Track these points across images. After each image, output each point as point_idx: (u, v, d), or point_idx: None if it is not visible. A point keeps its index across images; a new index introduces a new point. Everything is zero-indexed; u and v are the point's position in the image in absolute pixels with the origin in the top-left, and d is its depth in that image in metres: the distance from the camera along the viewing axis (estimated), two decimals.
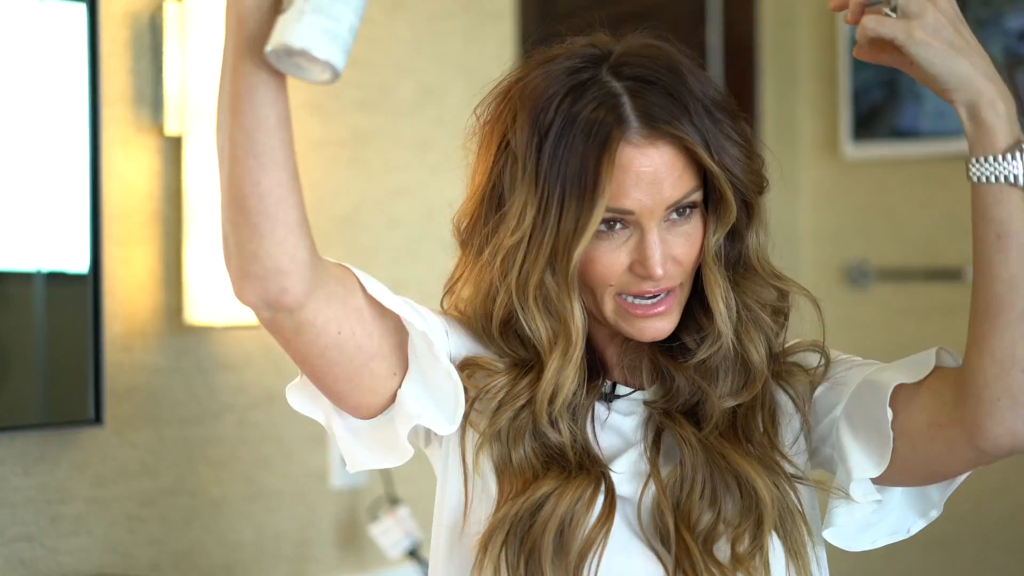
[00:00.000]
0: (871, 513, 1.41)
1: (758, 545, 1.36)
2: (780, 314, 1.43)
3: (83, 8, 1.94)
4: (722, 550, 1.37)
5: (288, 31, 1.13)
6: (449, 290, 1.51)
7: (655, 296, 1.37)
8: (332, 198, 2.35)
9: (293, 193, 1.25)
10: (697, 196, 1.37)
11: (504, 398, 1.42)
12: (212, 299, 2.06)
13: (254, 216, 1.22)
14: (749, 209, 1.40)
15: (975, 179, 1.24)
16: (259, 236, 1.23)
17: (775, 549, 1.38)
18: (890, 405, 1.33)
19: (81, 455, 1.99)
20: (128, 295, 2.04)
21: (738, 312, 1.40)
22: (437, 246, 2.52)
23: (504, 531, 1.37)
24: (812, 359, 1.44)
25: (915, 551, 3.14)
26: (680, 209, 1.36)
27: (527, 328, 1.38)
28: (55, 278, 1.96)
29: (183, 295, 2.09)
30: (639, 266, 1.36)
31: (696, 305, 1.42)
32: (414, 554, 2.32)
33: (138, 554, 2.06)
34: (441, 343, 1.39)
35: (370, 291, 1.34)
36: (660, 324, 1.38)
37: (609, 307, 1.39)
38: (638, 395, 1.45)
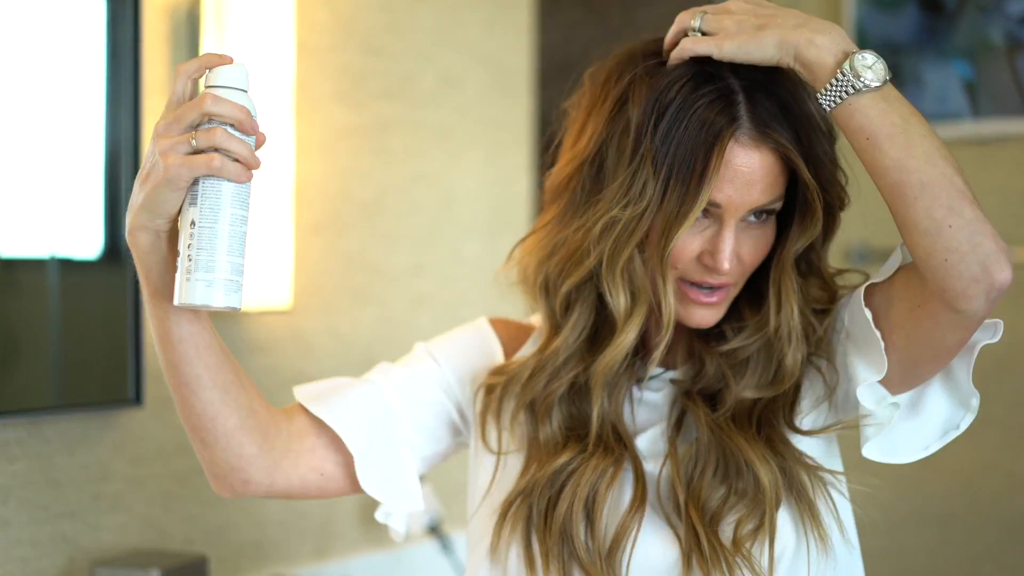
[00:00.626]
0: (909, 420, 1.47)
1: (761, 530, 1.42)
2: (826, 314, 1.50)
3: (123, 2, 2.00)
4: (726, 531, 1.43)
5: (186, 290, 1.26)
6: (523, 241, 1.59)
7: (712, 288, 1.45)
8: (357, 184, 2.41)
9: (227, 405, 1.41)
10: (779, 205, 1.43)
11: (538, 365, 1.52)
12: (245, 286, 2.13)
13: (198, 432, 1.43)
14: (830, 223, 1.47)
15: (827, 108, 1.34)
16: (206, 446, 1.44)
17: (783, 531, 1.44)
18: (869, 306, 1.41)
19: (121, 435, 2.06)
20: None
21: (795, 321, 1.47)
22: (456, 231, 2.60)
23: (525, 499, 1.46)
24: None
25: (909, 527, 3.24)
26: (759, 214, 1.43)
27: (607, 295, 1.46)
28: (96, 265, 2.02)
29: None
30: (709, 256, 1.43)
31: (743, 299, 1.49)
32: (435, 530, 2.40)
33: (173, 530, 2.13)
34: (421, 390, 1.56)
35: (321, 418, 1.52)
36: (709, 314, 1.47)
37: (669, 290, 1.45)
38: (668, 374, 1.52)
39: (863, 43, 3.30)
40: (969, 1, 3.20)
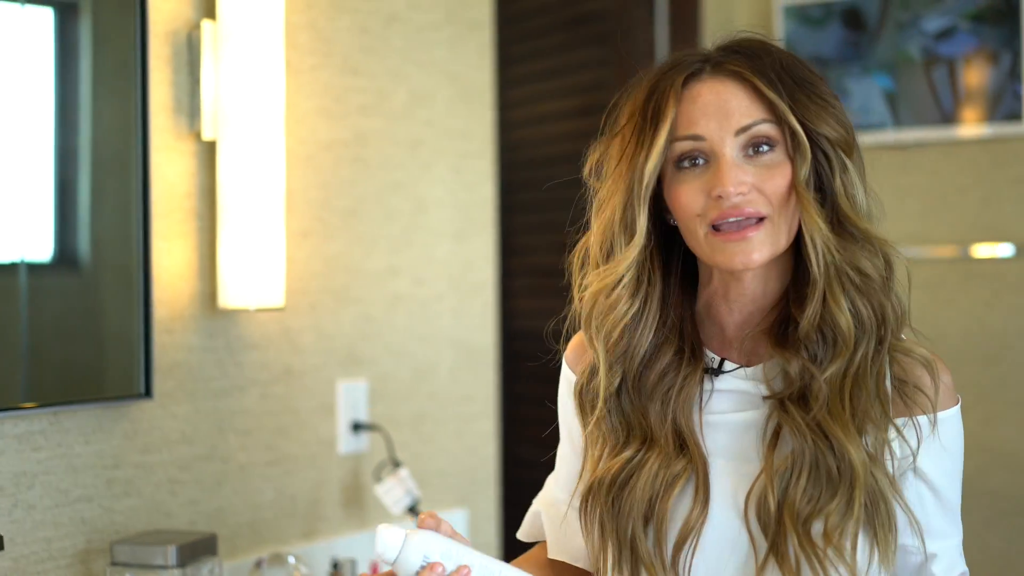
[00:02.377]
0: None
1: (849, 517, 1.47)
2: (868, 277, 1.51)
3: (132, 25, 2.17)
4: (817, 528, 1.47)
5: None
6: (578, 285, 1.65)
7: (740, 221, 1.49)
8: (338, 193, 2.60)
9: None
10: (771, 130, 1.50)
11: (588, 365, 1.63)
12: (243, 286, 2.31)
13: None
14: (830, 160, 1.51)
15: None
16: None
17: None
18: None
19: (131, 426, 2.23)
20: (170, 283, 2.28)
21: (829, 265, 1.50)
22: (428, 235, 2.79)
23: (594, 496, 1.57)
24: (923, 378, 1.54)
25: None
26: (757, 145, 1.51)
27: (619, 254, 1.55)
28: (111, 269, 2.19)
29: (217, 283, 2.33)
30: (715, 188, 1.49)
31: (800, 280, 1.55)
32: (414, 510, 2.59)
33: (178, 513, 2.31)
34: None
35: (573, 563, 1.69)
36: (747, 251, 1.49)
37: (704, 243, 1.52)
38: (741, 372, 1.58)
39: None
40: (889, 19, 3.43)
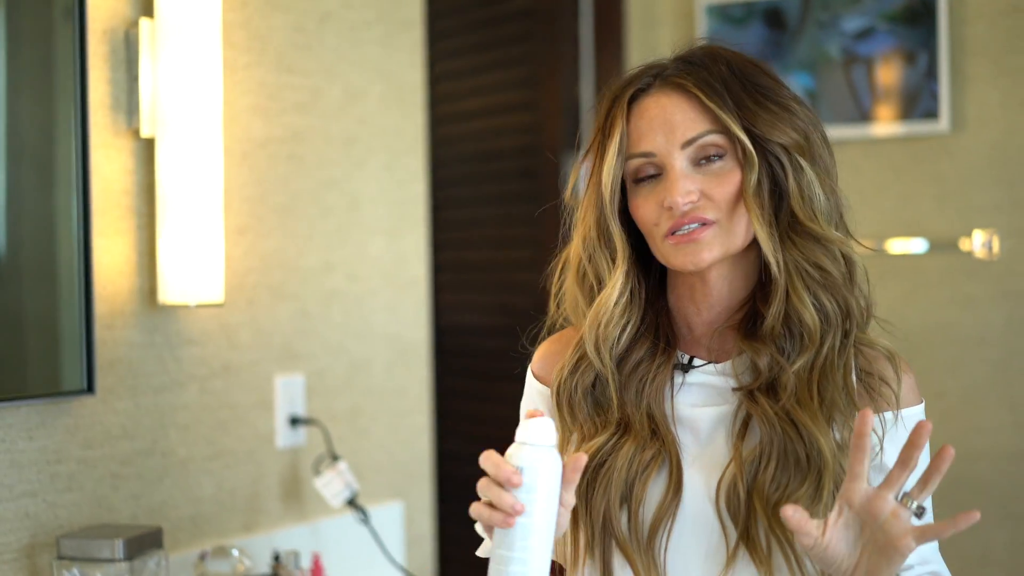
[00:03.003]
0: None
1: (818, 502, 1.52)
2: (828, 274, 1.59)
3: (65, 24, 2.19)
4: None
5: None
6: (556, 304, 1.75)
7: (689, 228, 1.57)
8: (273, 190, 2.62)
9: None
10: (718, 139, 1.58)
11: (563, 364, 1.69)
12: (182, 282, 2.33)
13: None
14: (783, 164, 1.58)
15: None
16: None
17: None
18: None
19: (74, 421, 2.24)
20: (110, 279, 2.30)
21: (787, 265, 1.58)
22: (362, 231, 2.82)
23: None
24: (886, 370, 1.61)
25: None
26: (708, 156, 1.59)
27: (596, 268, 1.65)
28: (53, 267, 2.20)
29: (156, 279, 2.35)
30: (665, 200, 1.58)
31: (766, 279, 1.63)
32: (353, 502, 2.62)
33: (120, 507, 2.32)
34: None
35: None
36: (695, 252, 1.58)
37: (661, 248, 1.60)
38: (710, 367, 1.65)
39: None
40: (809, 18, 3.51)
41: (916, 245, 3.34)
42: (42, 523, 2.18)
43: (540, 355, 1.77)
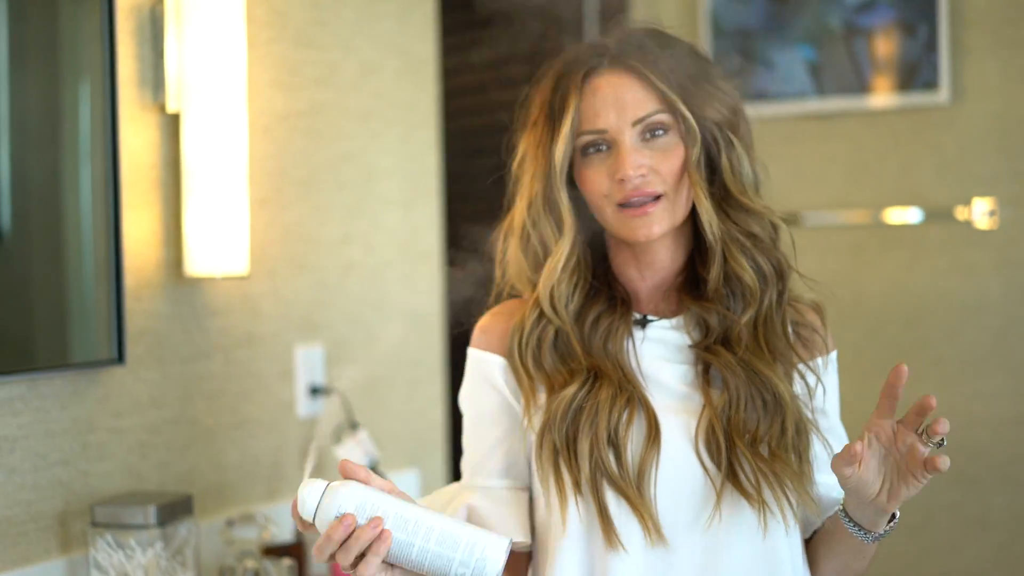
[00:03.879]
0: None
1: (785, 440, 1.68)
2: (759, 240, 1.73)
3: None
4: (764, 449, 1.68)
5: None
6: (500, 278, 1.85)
7: (643, 202, 1.69)
8: (293, 164, 2.66)
9: None
10: (665, 118, 1.70)
11: (520, 322, 1.78)
12: (207, 254, 2.37)
13: None
14: (717, 141, 1.71)
15: (851, 530, 1.66)
16: None
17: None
18: None
19: (104, 391, 2.29)
20: (138, 252, 2.34)
21: (723, 234, 1.71)
22: (378, 203, 2.87)
23: (548, 433, 1.70)
24: (816, 321, 1.79)
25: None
26: (653, 130, 1.70)
27: (541, 235, 1.75)
28: (82, 240, 2.24)
29: (183, 251, 2.39)
30: (617, 172, 1.69)
31: (702, 245, 1.76)
32: (374, 470, 2.67)
33: (149, 475, 2.37)
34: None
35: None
36: (645, 223, 1.69)
37: (611, 219, 1.71)
38: (665, 322, 1.77)
39: (718, 29, 3.64)
40: None
41: (914, 215, 3.40)
42: (75, 491, 2.23)
43: (481, 330, 1.83)
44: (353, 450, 2.65)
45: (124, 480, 2.32)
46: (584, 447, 1.68)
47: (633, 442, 1.69)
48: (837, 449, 1.76)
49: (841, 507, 1.67)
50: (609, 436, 1.68)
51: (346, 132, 2.78)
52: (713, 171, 1.73)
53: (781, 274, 1.75)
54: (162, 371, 2.39)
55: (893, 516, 1.65)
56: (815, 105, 3.55)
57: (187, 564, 2.19)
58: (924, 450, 1.54)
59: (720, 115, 1.72)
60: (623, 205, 1.70)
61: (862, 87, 3.50)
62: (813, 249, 3.63)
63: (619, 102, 1.70)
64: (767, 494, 1.67)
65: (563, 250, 1.74)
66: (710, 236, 1.72)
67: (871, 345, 3.49)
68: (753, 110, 3.61)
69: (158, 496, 2.20)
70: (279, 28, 2.63)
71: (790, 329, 1.77)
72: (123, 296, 2.26)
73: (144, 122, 2.35)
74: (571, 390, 1.71)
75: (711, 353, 1.72)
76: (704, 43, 3.67)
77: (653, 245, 1.76)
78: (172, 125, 2.39)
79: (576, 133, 1.72)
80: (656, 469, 1.67)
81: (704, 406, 1.70)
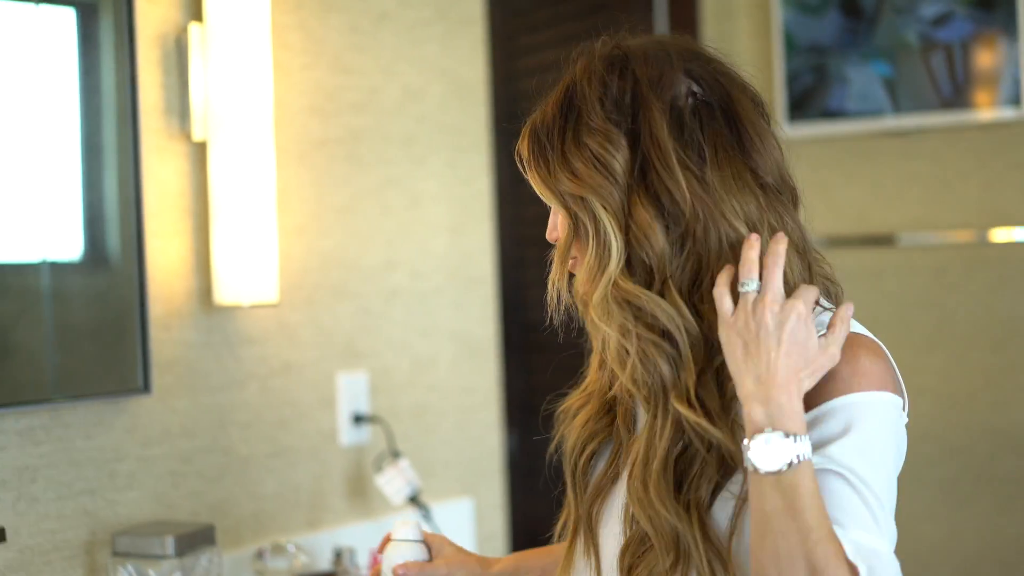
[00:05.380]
0: None
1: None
2: (654, 330, 1.48)
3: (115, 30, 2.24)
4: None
5: None
6: None
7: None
8: (332, 190, 2.65)
9: None
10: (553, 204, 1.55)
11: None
12: (237, 282, 2.36)
13: None
14: (578, 215, 1.52)
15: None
16: None
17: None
18: None
19: (131, 420, 2.29)
20: (166, 281, 2.34)
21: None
22: (424, 229, 2.84)
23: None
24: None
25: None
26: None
27: None
28: (108, 270, 2.25)
29: (212, 279, 2.39)
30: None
31: None
32: (415, 500, 2.64)
33: (181, 504, 2.36)
34: None
35: None
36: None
37: None
38: None
39: (791, 46, 3.55)
40: (886, 5, 3.45)
41: (1001, 235, 3.27)
42: (101, 520, 2.23)
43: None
44: (394, 479, 2.62)
45: (154, 509, 2.31)
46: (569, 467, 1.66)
47: (596, 468, 1.64)
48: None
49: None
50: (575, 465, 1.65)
51: (388, 157, 2.76)
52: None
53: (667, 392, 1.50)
54: (193, 400, 2.38)
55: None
56: (893, 122, 3.45)
57: None
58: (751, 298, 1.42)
59: (568, 185, 1.52)
60: None
61: (941, 103, 3.39)
62: (895, 271, 3.52)
63: None
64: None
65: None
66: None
67: (957, 370, 3.38)
68: (830, 129, 3.56)
69: (179, 526, 2.19)
70: (315, 55, 2.62)
71: None
72: (148, 325, 2.26)
73: (171, 151, 2.36)
74: (584, 415, 1.67)
75: None
76: (778, 61, 3.60)
77: None
78: (200, 153, 2.39)
79: None
80: (602, 506, 1.60)
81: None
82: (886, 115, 3.46)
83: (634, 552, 1.49)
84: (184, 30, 2.36)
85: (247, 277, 2.37)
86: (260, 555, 2.38)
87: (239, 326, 2.46)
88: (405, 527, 1.77)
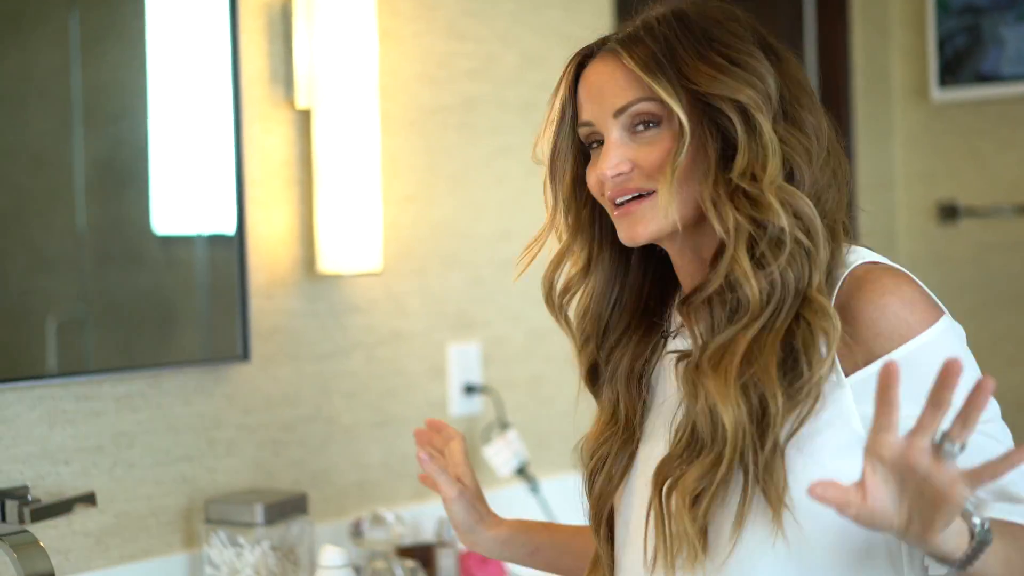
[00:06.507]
0: None
1: (708, 482, 1.42)
2: (779, 241, 1.43)
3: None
4: (687, 491, 1.44)
5: None
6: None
7: (626, 201, 1.50)
8: (444, 159, 2.62)
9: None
10: (650, 106, 1.48)
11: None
12: (340, 251, 2.35)
13: None
14: (732, 122, 1.46)
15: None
16: None
17: (735, 486, 1.42)
18: None
19: (232, 387, 2.30)
20: (269, 250, 2.34)
21: (734, 232, 1.44)
22: (539, 199, 2.78)
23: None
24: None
25: None
26: (642, 122, 1.49)
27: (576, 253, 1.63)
28: (211, 239, 2.26)
29: (315, 248, 2.38)
30: (599, 172, 1.51)
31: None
32: (522, 472, 2.61)
33: (281, 473, 2.37)
34: None
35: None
36: (630, 224, 1.50)
37: (613, 220, 1.53)
38: (672, 345, 1.57)
39: (944, 8, 3.40)
40: None
41: None
42: (200, 487, 2.25)
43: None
44: (502, 450, 2.60)
45: (253, 477, 2.32)
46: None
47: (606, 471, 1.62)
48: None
49: None
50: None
51: (504, 125, 2.72)
52: (733, 158, 1.48)
53: (799, 293, 1.43)
54: (296, 368, 2.39)
55: (977, 532, 1.29)
56: None
57: (299, 563, 2.18)
58: (948, 466, 1.24)
59: (742, 95, 1.46)
60: (616, 203, 1.52)
61: None
62: None
63: (600, 92, 1.52)
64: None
65: (593, 274, 1.65)
66: (720, 233, 1.47)
67: None
68: (984, 92, 3.41)
69: (271, 494, 2.20)
70: (427, 21, 2.59)
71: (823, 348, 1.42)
72: (247, 293, 2.26)
73: (276, 119, 2.35)
74: (594, 441, 1.65)
75: (693, 374, 1.47)
76: (930, 22, 3.46)
77: (672, 248, 1.54)
78: (304, 122, 2.39)
79: (574, 126, 1.58)
80: (619, 505, 1.59)
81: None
82: None
83: (672, 464, 1.46)
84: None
85: (351, 246, 2.35)
86: (358, 525, 2.37)
87: (344, 295, 2.46)
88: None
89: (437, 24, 2.61)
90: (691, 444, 1.45)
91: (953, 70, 3.44)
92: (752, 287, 1.43)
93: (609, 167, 1.50)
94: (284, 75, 2.36)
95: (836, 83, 3.57)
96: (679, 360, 1.50)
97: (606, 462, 1.59)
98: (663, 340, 1.60)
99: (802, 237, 1.43)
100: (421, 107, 2.58)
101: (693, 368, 1.46)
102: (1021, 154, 3.42)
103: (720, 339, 1.44)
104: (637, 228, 1.50)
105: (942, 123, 3.55)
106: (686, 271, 1.57)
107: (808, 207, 1.45)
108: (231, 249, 2.26)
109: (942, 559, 1.31)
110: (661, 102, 1.48)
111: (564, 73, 1.59)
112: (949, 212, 3.55)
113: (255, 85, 2.32)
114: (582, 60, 1.57)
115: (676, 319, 1.59)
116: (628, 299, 1.61)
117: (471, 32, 2.66)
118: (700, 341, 1.47)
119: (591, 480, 1.61)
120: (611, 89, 1.51)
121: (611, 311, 1.61)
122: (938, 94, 3.46)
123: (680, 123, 1.47)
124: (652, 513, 1.47)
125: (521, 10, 2.75)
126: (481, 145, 2.69)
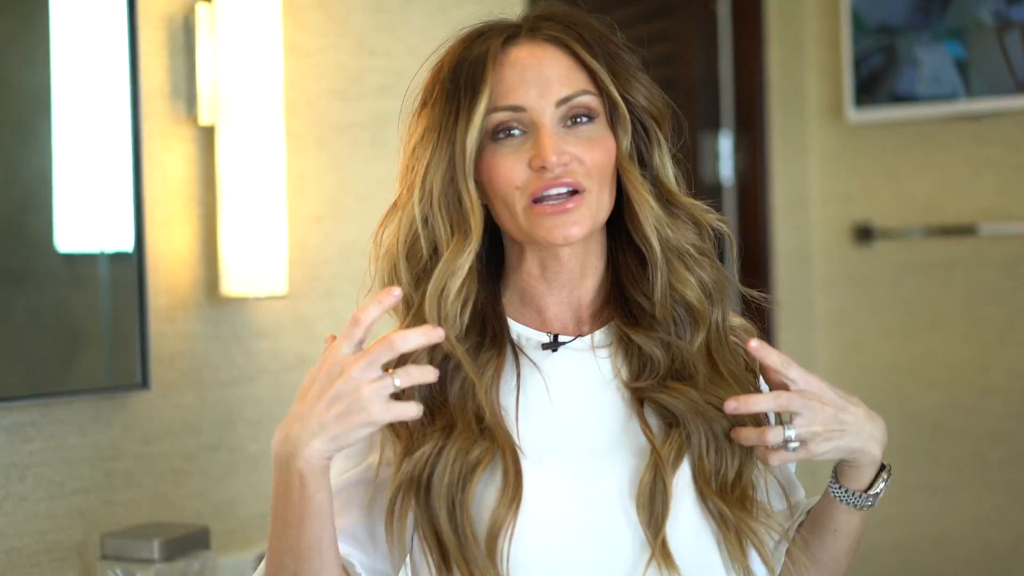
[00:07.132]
0: None
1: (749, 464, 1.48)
2: (702, 250, 1.51)
3: (122, 10, 2.14)
4: (738, 494, 1.46)
5: None
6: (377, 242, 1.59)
7: (560, 194, 1.44)
8: (354, 177, 2.54)
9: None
10: (591, 100, 1.46)
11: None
12: (244, 273, 2.26)
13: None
14: (649, 133, 1.49)
15: (839, 501, 1.50)
16: None
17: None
18: None
19: (130, 416, 2.20)
20: (170, 271, 2.25)
21: (663, 244, 1.48)
22: None
23: (402, 499, 1.44)
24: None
25: (919, 495, 3.32)
26: (577, 116, 1.46)
27: (433, 234, 1.47)
28: (112, 257, 2.16)
29: (219, 270, 2.29)
30: (536, 158, 1.44)
31: (634, 259, 1.52)
32: None
33: (183, 504, 2.27)
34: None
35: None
36: (565, 224, 1.44)
37: (522, 216, 1.45)
38: (578, 343, 1.51)
39: (859, 27, 3.38)
40: None
41: None
42: (96, 521, 2.14)
43: None
44: None
45: (154, 510, 2.22)
46: (430, 519, 1.45)
47: (484, 504, 1.44)
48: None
49: (832, 474, 1.51)
50: (448, 507, 1.43)
51: None
52: (645, 169, 1.50)
53: (723, 289, 1.51)
54: (199, 395, 2.29)
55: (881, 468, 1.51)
56: (965, 106, 3.28)
57: None
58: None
59: (651, 105, 1.49)
60: (538, 200, 1.45)
61: (1017, 86, 3.21)
62: (966, 263, 3.35)
63: (542, 76, 1.45)
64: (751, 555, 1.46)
65: (465, 256, 1.47)
66: (656, 245, 1.48)
67: None
68: (899, 113, 3.38)
69: (170, 528, 2.10)
70: (336, 36, 2.51)
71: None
72: (147, 317, 2.17)
73: (177, 135, 2.26)
74: (422, 453, 1.45)
75: (665, 390, 1.46)
76: (846, 42, 3.43)
77: (563, 252, 1.51)
78: (206, 139, 2.29)
79: (489, 109, 1.46)
80: (512, 530, 1.41)
81: (651, 452, 1.44)
82: (959, 99, 3.28)
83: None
84: (191, 10, 2.26)
85: (255, 267, 2.26)
86: (260, 559, 2.27)
87: (249, 319, 2.36)
88: None
89: (346, 39, 2.53)
90: (718, 452, 1.47)
91: (869, 90, 3.41)
92: (697, 296, 1.49)
93: (556, 153, 1.44)
94: (186, 90, 2.27)
95: (751, 102, 3.54)
96: (655, 381, 1.49)
97: (462, 480, 1.43)
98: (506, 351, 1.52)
99: (713, 242, 1.53)
100: (330, 124, 2.49)
101: (686, 385, 1.48)
102: (936, 175, 3.41)
103: (697, 347, 1.50)
104: (573, 228, 1.45)
105: (857, 143, 3.52)
106: (561, 278, 1.53)
107: (709, 214, 1.54)
108: (131, 268, 2.16)
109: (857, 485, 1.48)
110: (600, 98, 1.47)
111: (486, 54, 1.48)
112: (864, 233, 3.52)
113: (155, 100, 2.23)
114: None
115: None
116: (474, 310, 1.52)
117: (381, 47, 2.58)
118: (665, 359, 1.49)
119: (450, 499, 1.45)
120: (556, 76, 1.46)
121: (472, 314, 1.51)
122: (854, 114, 3.43)
123: (619, 122, 1.47)
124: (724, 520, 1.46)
125: (432, 25, 2.68)
126: (393, 163, 2.60)
